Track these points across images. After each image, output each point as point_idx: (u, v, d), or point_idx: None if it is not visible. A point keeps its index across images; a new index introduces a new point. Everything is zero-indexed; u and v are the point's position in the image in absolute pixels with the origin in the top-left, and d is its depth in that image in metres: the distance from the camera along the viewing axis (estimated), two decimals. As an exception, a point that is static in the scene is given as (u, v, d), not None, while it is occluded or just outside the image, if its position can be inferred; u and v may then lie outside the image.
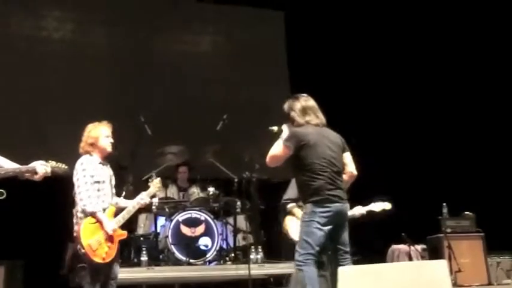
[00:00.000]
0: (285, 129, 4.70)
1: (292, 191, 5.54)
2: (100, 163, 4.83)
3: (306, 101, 4.74)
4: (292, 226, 5.49)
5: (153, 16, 9.60)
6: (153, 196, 7.08)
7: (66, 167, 4.46)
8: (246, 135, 8.60)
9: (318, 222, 4.46)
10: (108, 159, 4.95)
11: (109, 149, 4.88)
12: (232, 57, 9.85)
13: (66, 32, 9.41)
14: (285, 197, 5.65)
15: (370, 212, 5.62)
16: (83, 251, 4.56)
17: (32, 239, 7.58)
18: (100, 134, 4.86)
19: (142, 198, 4.97)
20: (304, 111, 4.69)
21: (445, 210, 7.48)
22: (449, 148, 9.17)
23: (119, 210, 4.84)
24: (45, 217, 7.51)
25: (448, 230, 7.28)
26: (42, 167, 4.18)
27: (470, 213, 7.61)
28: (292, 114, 4.71)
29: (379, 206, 5.65)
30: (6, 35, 8.90)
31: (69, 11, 9.48)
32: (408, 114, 9.38)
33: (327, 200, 4.49)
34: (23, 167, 4.11)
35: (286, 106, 4.78)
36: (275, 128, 4.75)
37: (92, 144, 4.83)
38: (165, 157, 7.70)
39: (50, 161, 4.26)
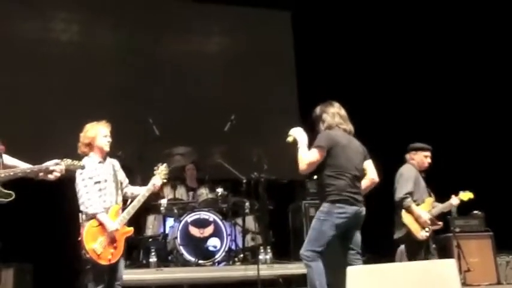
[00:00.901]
0: (299, 131, 4.81)
1: (408, 184, 5.76)
2: (100, 162, 4.82)
3: (339, 108, 4.93)
4: (413, 224, 5.67)
5: (160, 17, 9.60)
6: (162, 197, 7.14)
7: (82, 163, 4.39)
8: (254, 136, 8.61)
9: (333, 223, 4.55)
10: (107, 156, 4.93)
11: (106, 148, 4.87)
12: (240, 57, 9.84)
13: (72, 34, 9.44)
14: (404, 191, 5.77)
15: (461, 201, 6.08)
16: (87, 255, 4.57)
17: (41, 242, 7.60)
18: (97, 133, 4.84)
19: (149, 188, 4.99)
20: (337, 116, 4.86)
21: (453, 209, 7.45)
22: (458, 147, 9.13)
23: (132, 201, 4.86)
24: (54, 220, 7.49)
25: (457, 229, 7.26)
26: (56, 166, 4.06)
27: (479, 212, 7.58)
28: (324, 116, 4.87)
29: (466, 195, 6.12)
30: (12, 36, 8.87)
31: (75, 13, 9.50)
32: (416, 111, 9.35)
33: (345, 200, 4.58)
34: (36, 167, 4.04)
35: (318, 109, 4.95)
36: (290, 139, 4.84)
37: (89, 144, 4.82)
38: (173, 158, 7.69)
39: (64, 159, 4.15)
